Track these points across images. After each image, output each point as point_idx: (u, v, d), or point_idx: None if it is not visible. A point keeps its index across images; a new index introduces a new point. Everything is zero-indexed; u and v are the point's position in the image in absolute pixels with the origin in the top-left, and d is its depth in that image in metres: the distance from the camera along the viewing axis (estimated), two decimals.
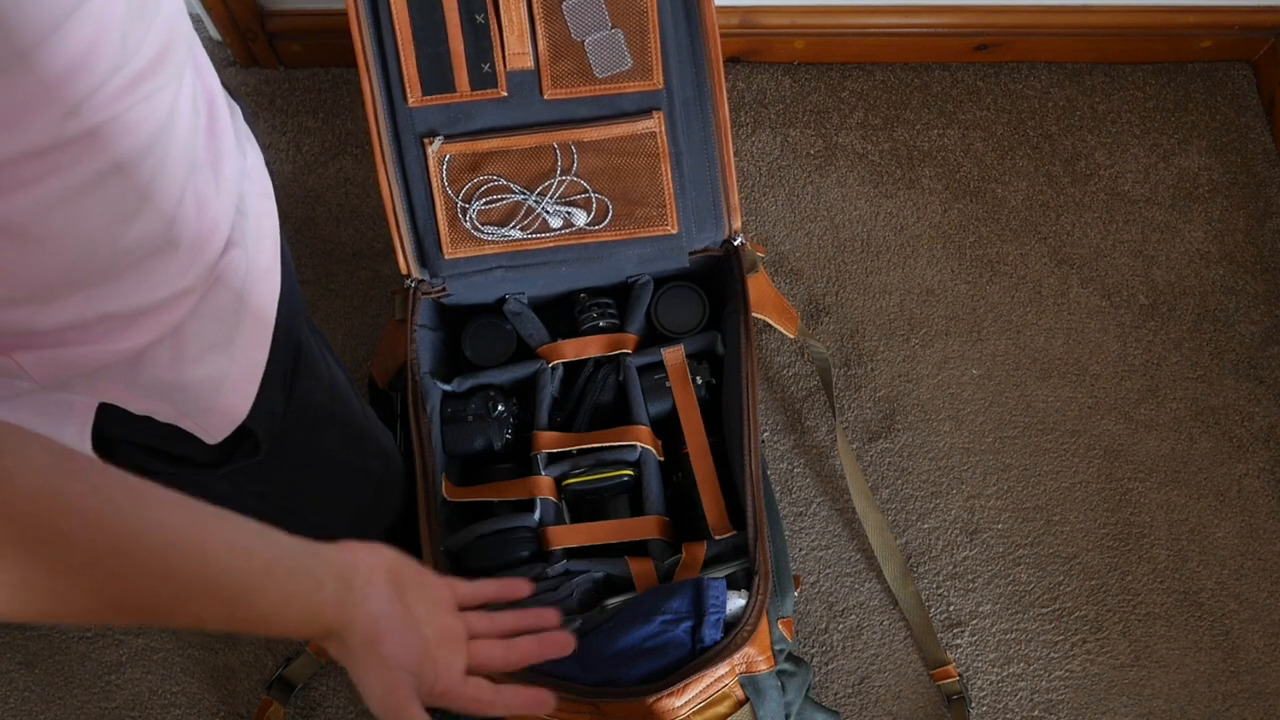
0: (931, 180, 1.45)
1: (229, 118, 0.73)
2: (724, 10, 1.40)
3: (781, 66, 1.50)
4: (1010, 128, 1.48)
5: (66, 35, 0.49)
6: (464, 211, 1.09)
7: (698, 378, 1.12)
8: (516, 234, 1.10)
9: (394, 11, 1.00)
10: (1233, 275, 1.42)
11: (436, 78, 1.04)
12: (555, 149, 1.07)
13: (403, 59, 1.03)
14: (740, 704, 0.97)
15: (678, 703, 0.93)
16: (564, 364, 1.14)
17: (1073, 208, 1.45)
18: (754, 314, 1.12)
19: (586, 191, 1.09)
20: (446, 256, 1.11)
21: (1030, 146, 1.47)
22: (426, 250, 1.11)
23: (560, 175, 1.08)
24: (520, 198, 1.09)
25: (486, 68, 1.03)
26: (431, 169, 1.07)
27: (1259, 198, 1.47)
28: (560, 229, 1.10)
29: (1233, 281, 1.42)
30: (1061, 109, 1.50)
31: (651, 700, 0.92)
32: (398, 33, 1.01)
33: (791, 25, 1.44)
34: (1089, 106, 1.50)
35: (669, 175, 1.08)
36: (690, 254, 1.13)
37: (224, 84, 0.87)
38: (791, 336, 1.26)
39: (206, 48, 1.47)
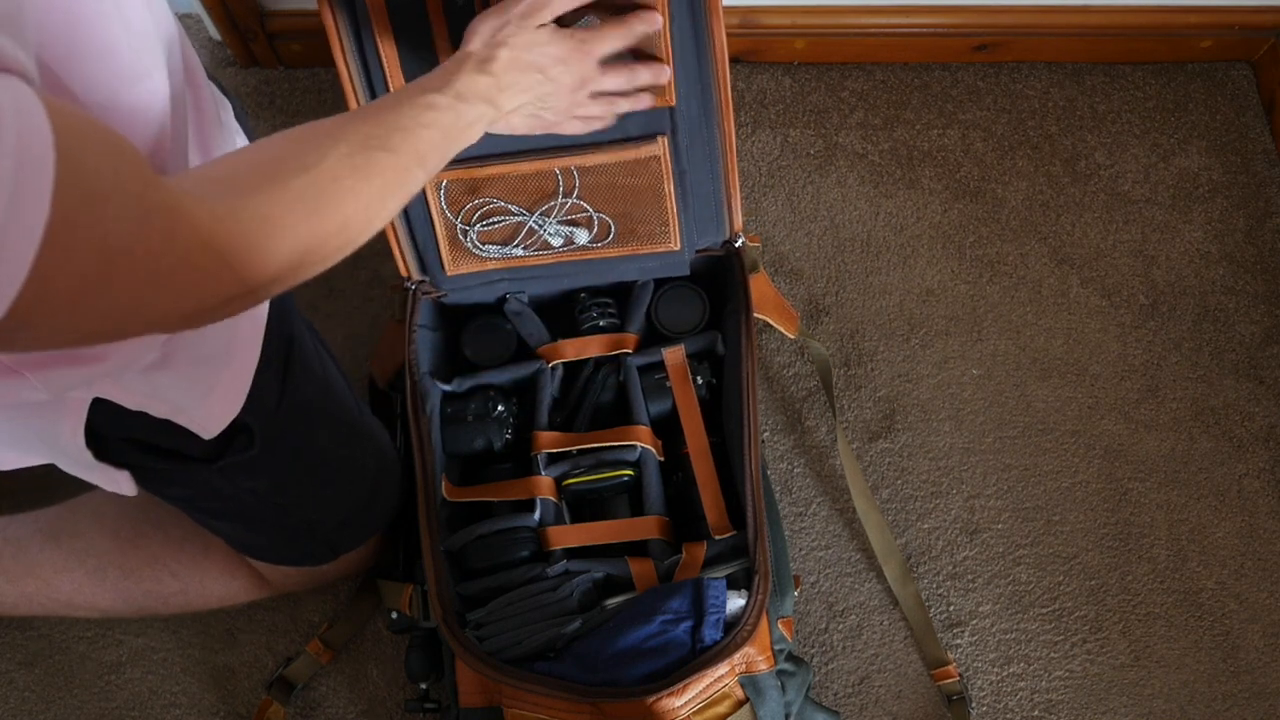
0: (931, 180, 1.45)
1: (218, 119, 0.73)
2: (724, 10, 1.39)
3: (781, 66, 1.50)
4: (1010, 128, 1.48)
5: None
6: (464, 233, 1.08)
7: (698, 378, 1.12)
8: (519, 252, 1.10)
9: (378, 36, 0.94)
10: (1233, 275, 1.42)
11: None
12: (557, 173, 1.04)
13: (390, 84, 0.97)
14: (740, 704, 0.97)
15: (678, 703, 0.93)
16: (564, 364, 1.14)
17: (1073, 208, 1.45)
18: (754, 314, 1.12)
19: (588, 211, 1.08)
20: (448, 274, 1.11)
21: (1030, 146, 1.47)
22: (428, 264, 1.11)
23: (561, 198, 1.06)
24: (521, 218, 1.07)
25: None
26: (429, 194, 1.05)
27: (1259, 198, 1.47)
28: (562, 247, 1.10)
29: (1233, 281, 1.42)
30: (1061, 109, 1.50)
31: (651, 700, 0.92)
32: (383, 56, 0.95)
33: (791, 25, 1.44)
34: (1089, 106, 1.50)
35: (672, 195, 1.06)
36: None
37: (222, 84, 0.87)
38: (791, 336, 1.26)
39: (206, 48, 1.48)
